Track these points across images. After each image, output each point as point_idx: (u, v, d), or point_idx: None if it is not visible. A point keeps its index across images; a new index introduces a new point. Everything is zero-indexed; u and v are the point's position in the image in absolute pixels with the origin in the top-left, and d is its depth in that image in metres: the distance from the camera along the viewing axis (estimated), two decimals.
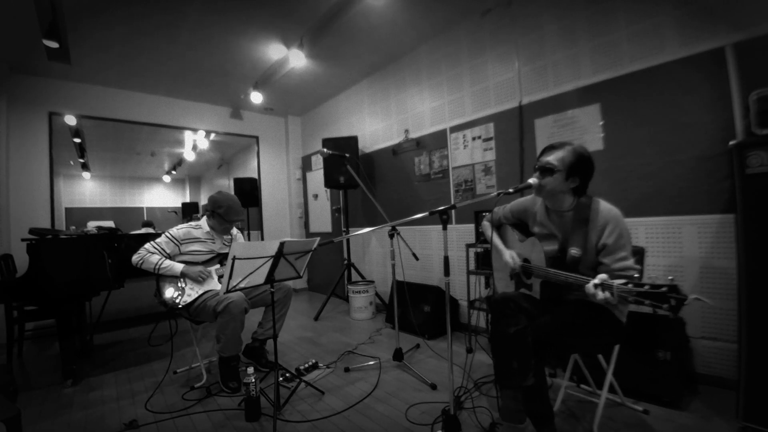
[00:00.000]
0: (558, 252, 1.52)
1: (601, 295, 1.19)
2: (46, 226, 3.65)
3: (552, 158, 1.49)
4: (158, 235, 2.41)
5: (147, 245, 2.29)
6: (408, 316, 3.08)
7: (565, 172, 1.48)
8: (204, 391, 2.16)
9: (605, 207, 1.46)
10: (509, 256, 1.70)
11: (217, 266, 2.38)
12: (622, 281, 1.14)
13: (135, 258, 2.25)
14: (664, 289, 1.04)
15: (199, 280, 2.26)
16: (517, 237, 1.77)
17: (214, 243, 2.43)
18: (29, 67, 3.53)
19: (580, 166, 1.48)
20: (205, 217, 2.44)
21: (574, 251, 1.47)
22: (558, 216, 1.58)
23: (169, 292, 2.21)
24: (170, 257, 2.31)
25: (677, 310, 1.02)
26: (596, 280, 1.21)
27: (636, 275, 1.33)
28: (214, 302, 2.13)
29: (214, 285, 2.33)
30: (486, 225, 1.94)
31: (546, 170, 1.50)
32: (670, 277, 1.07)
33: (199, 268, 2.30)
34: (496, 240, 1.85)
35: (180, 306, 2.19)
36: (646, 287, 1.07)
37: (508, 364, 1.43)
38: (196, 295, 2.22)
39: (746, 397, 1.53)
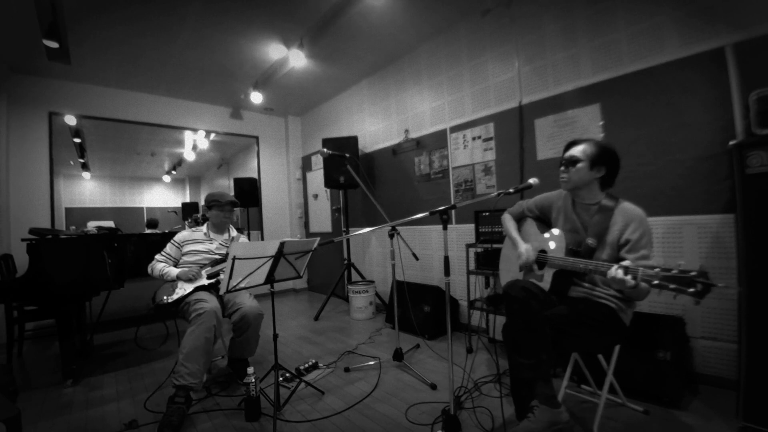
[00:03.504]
0: (578, 245, 1.54)
1: (623, 275, 1.19)
2: (46, 226, 3.65)
3: (574, 151, 1.55)
4: (157, 236, 2.42)
5: (157, 255, 2.41)
6: (408, 316, 3.08)
7: (588, 162, 1.52)
8: (204, 391, 2.16)
9: (631, 206, 1.49)
10: (524, 249, 1.71)
11: (209, 268, 2.37)
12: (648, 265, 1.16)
13: (148, 269, 2.38)
14: (693, 273, 1.04)
15: (189, 277, 2.25)
16: (537, 229, 1.78)
17: (211, 243, 2.45)
18: (29, 67, 3.53)
19: (604, 155, 1.52)
20: (206, 225, 2.53)
21: (590, 241, 1.50)
22: (584, 210, 1.61)
23: (162, 299, 2.22)
24: (176, 261, 2.41)
25: (702, 296, 1.02)
26: (624, 264, 1.22)
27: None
28: (191, 310, 2.02)
29: (202, 282, 2.30)
30: (506, 217, 1.95)
31: (570, 162, 1.55)
32: (700, 264, 1.07)
33: (192, 269, 2.31)
34: (513, 231, 1.86)
35: (169, 302, 2.18)
36: (674, 271, 1.08)
37: (535, 357, 1.39)
38: (184, 293, 2.20)
39: (746, 397, 1.53)
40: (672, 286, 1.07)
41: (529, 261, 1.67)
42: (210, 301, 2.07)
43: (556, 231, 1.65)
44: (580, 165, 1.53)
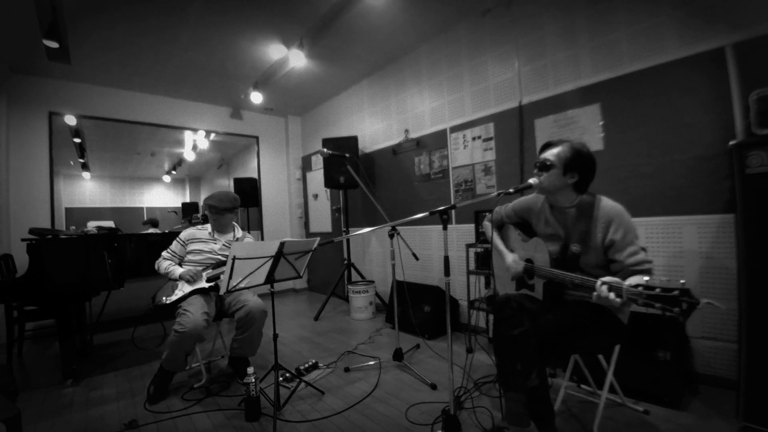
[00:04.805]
0: (560, 252, 1.52)
1: (607, 293, 1.18)
2: (46, 226, 3.65)
3: (548, 154, 1.51)
4: (157, 236, 2.45)
5: (163, 252, 2.43)
6: (408, 316, 3.08)
7: (561, 168, 1.48)
8: (204, 391, 2.16)
9: (608, 203, 1.46)
10: (512, 260, 1.70)
11: (210, 271, 2.34)
12: (633, 284, 1.13)
13: (155, 265, 2.40)
14: (675, 292, 1.02)
15: (188, 278, 2.25)
16: (520, 237, 1.76)
17: (215, 243, 2.43)
18: (29, 67, 3.53)
19: (578, 161, 1.48)
20: (209, 224, 2.51)
21: (574, 248, 1.47)
22: (561, 213, 1.58)
23: (161, 301, 2.23)
24: (181, 258, 2.41)
25: (688, 315, 1.00)
26: (606, 280, 1.20)
27: (650, 267, 1.33)
28: (177, 321, 2.04)
29: (202, 285, 2.28)
30: (487, 225, 1.93)
31: (544, 167, 1.52)
32: (682, 281, 1.05)
33: (195, 268, 2.32)
34: (498, 241, 1.84)
35: (167, 303, 2.19)
36: (657, 290, 1.05)
37: (511, 366, 1.41)
38: (182, 294, 2.21)
39: (746, 397, 1.53)
40: (657, 305, 1.05)
41: (518, 274, 1.67)
42: (195, 314, 2.03)
43: (538, 240, 1.63)
44: (553, 171, 1.49)
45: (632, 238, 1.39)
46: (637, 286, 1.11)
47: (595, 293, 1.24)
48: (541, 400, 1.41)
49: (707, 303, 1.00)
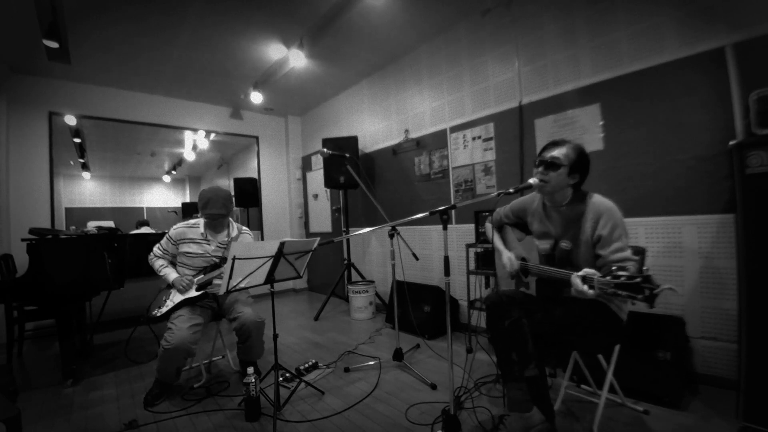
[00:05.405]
0: (551, 249, 1.54)
1: (581, 285, 1.21)
2: (46, 226, 3.65)
3: (557, 153, 1.52)
4: (157, 235, 2.42)
5: (155, 249, 2.37)
6: (408, 316, 3.08)
7: (569, 168, 1.50)
8: (204, 391, 2.16)
9: (599, 200, 1.48)
10: (507, 258, 1.73)
11: (201, 276, 2.25)
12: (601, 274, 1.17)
13: (149, 259, 2.37)
14: (638, 279, 1.06)
15: (180, 288, 2.18)
16: (517, 236, 1.80)
17: (209, 245, 2.30)
18: (29, 67, 3.53)
19: (582, 162, 1.51)
20: (202, 223, 2.34)
21: (564, 244, 1.50)
22: (555, 211, 1.61)
23: (153, 313, 2.20)
24: (173, 257, 2.35)
25: (652, 301, 1.03)
26: (580, 273, 1.23)
27: (634, 266, 1.34)
28: (164, 336, 2.02)
29: (191, 294, 2.19)
30: (488, 226, 1.96)
31: (551, 165, 1.51)
32: (645, 268, 1.09)
33: (186, 278, 2.22)
34: (497, 241, 1.87)
35: (158, 316, 2.15)
36: (622, 278, 1.09)
37: (507, 356, 1.44)
38: (172, 305, 2.15)
39: (746, 397, 1.53)
40: (624, 293, 1.08)
41: (513, 270, 1.69)
42: (181, 329, 2.00)
43: (531, 239, 1.66)
44: (561, 170, 1.50)
45: (620, 234, 1.39)
46: (606, 275, 1.15)
47: (573, 287, 1.26)
48: (541, 398, 1.41)
49: (668, 288, 1.05)
